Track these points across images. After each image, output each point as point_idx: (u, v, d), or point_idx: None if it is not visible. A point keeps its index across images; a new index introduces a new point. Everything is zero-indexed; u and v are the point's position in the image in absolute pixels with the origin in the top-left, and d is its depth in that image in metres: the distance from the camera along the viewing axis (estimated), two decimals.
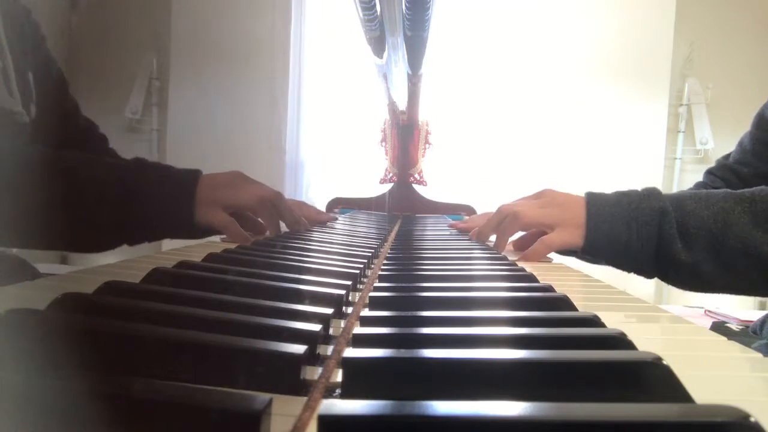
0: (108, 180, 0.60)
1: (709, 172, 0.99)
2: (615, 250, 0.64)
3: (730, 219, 0.61)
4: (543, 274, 0.51)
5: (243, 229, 0.66)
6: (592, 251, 0.65)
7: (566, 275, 0.57)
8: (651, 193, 0.65)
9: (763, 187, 0.62)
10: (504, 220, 0.71)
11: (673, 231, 0.62)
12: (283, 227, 0.75)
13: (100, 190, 0.59)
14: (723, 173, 0.96)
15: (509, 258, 0.62)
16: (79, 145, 0.85)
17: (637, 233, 0.63)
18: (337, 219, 1.01)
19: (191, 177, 0.64)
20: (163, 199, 0.61)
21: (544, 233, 0.68)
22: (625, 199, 0.65)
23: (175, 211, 0.62)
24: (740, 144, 0.96)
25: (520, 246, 0.77)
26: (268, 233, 0.73)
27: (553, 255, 0.70)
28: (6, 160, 0.55)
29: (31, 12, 0.77)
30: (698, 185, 0.99)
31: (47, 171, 0.57)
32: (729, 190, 0.64)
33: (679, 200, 0.64)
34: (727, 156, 0.98)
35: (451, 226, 0.99)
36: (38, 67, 0.76)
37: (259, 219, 0.74)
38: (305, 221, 0.78)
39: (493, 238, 0.77)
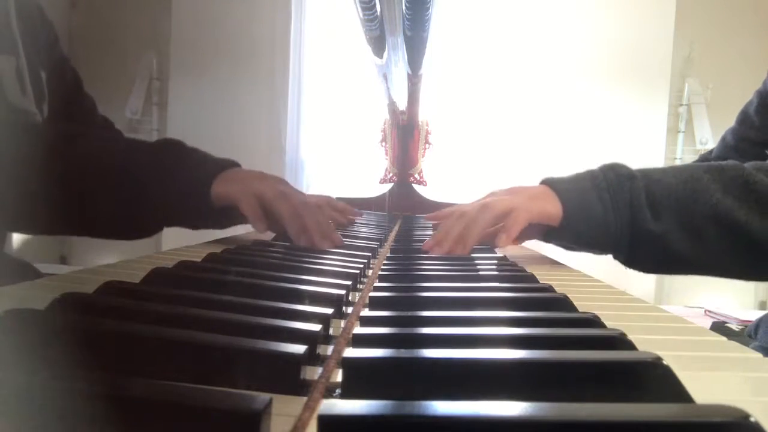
0: (128, 158, 0.59)
1: None
2: (593, 227, 0.59)
3: (699, 186, 0.57)
4: (543, 274, 0.51)
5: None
6: (570, 228, 0.60)
7: (566, 275, 0.57)
8: (614, 164, 0.61)
9: (730, 160, 0.60)
10: (467, 214, 0.62)
11: (642, 199, 0.57)
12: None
13: (121, 170, 0.58)
14: None
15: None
16: None
17: (612, 203, 0.58)
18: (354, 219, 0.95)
19: (225, 161, 0.63)
20: (184, 172, 0.60)
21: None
22: (587, 175, 0.61)
23: (193, 177, 0.59)
24: (723, 140, 0.97)
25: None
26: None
27: (536, 245, 0.67)
28: (25, 138, 0.55)
29: (44, 10, 0.77)
30: None
31: (65, 150, 0.57)
32: (695, 163, 0.61)
33: (644, 170, 0.60)
34: (711, 152, 0.99)
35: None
36: (52, 66, 0.76)
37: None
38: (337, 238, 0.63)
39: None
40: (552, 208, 0.60)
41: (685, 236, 0.57)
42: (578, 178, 0.61)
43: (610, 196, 0.58)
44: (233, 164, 0.64)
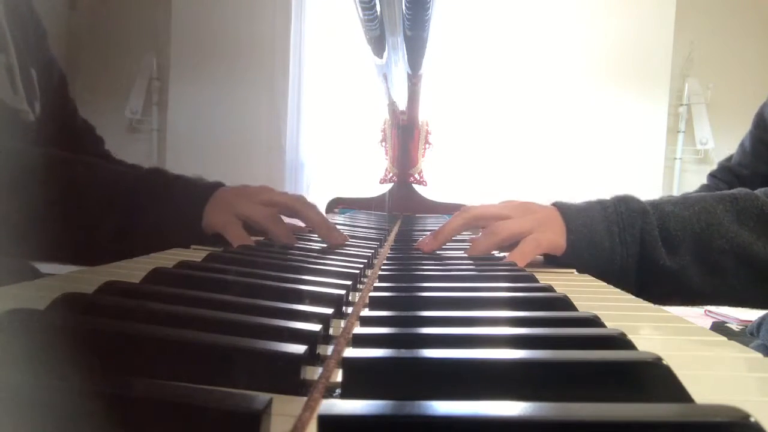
0: (116, 186, 0.59)
1: (712, 175, 0.99)
2: (598, 258, 0.58)
3: (713, 218, 0.56)
4: (543, 274, 0.51)
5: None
6: (574, 257, 0.59)
7: (566, 275, 0.57)
8: (627, 197, 0.60)
9: (741, 188, 0.59)
10: (478, 226, 0.61)
11: (655, 234, 0.57)
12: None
13: (108, 196, 0.58)
14: (724, 175, 0.95)
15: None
16: (77, 147, 0.84)
17: (620, 238, 0.57)
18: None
19: (210, 184, 0.63)
20: (175, 200, 0.60)
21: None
22: (598, 206, 0.60)
23: (184, 211, 0.60)
24: (741, 145, 0.96)
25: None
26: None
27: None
28: (9, 163, 0.55)
29: (33, 6, 0.77)
30: (702, 188, 0.98)
31: (54, 176, 0.57)
32: (706, 193, 0.60)
33: (655, 203, 0.59)
34: (730, 158, 0.98)
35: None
36: (41, 63, 0.75)
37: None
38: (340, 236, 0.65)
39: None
40: (560, 239, 0.59)
41: (702, 271, 0.56)
42: (588, 207, 0.61)
43: (619, 230, 0.58)
44: (218, 185, 0.63)
